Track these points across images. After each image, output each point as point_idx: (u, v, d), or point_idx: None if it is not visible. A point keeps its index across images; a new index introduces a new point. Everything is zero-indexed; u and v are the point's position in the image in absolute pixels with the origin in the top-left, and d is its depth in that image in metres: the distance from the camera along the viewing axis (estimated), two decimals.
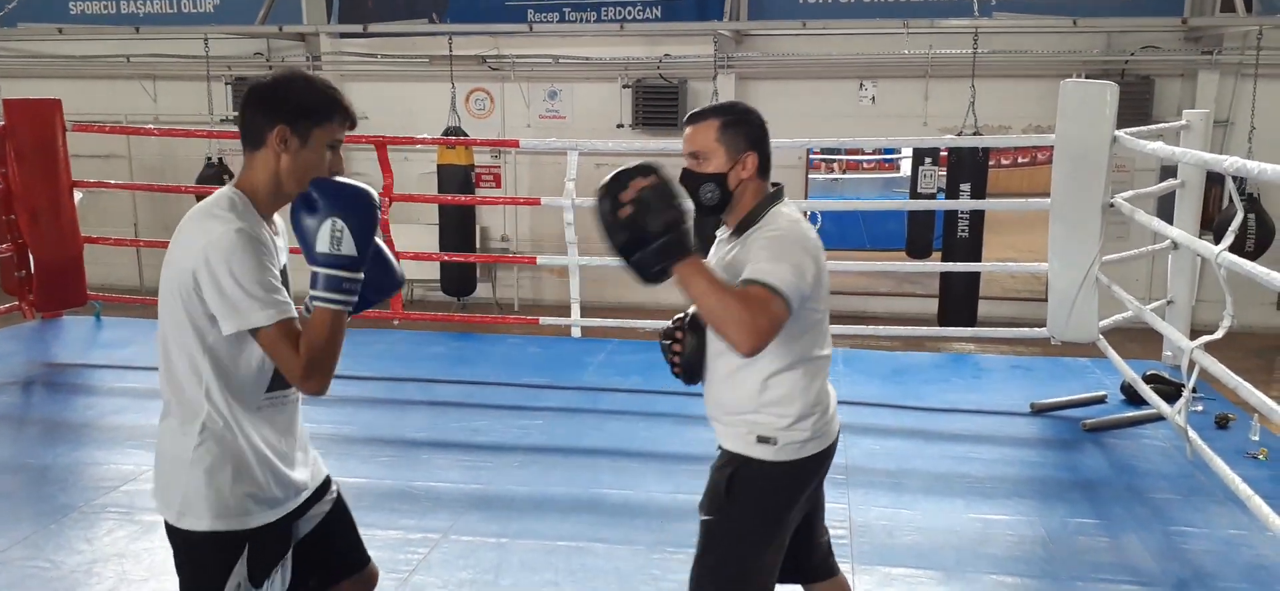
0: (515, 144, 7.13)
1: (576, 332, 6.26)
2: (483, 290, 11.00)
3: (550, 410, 5.14)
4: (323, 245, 1.92)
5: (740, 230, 2.27)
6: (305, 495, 2.18)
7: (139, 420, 4.86)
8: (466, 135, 9.54)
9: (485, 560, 3.47)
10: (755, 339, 2.05)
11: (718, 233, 2.40)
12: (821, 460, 2.32)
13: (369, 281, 2.04)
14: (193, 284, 1.91)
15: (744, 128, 2.27)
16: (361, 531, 2.36)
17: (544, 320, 6.69)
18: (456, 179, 9.35)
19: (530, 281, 11.53)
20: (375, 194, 2.01)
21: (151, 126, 8.99)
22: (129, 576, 3.34)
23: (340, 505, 2.29)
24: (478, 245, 10.92)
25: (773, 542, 2.30)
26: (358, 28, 10.90)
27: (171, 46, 11.10)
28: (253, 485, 2.03)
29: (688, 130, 2.30)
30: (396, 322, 6.36)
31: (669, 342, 2.36)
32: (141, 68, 11.43)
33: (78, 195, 6.49)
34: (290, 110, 1.97)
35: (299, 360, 1.91)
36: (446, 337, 6.80)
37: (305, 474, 2.18)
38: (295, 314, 1.94)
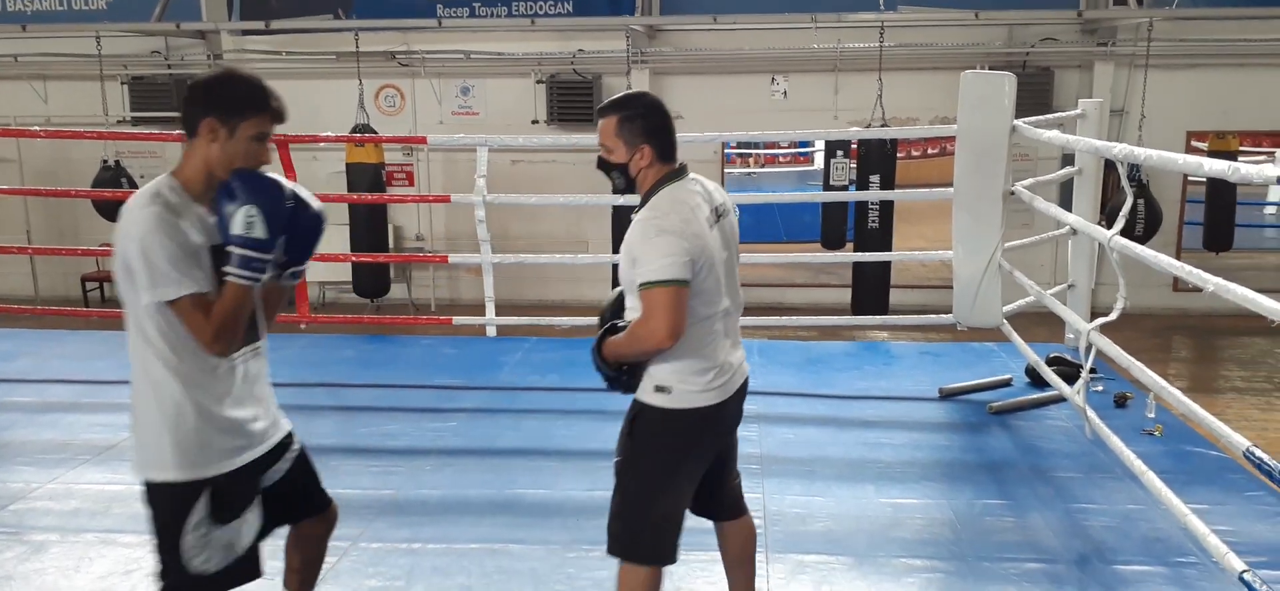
0: (423, 140, 6.99)
1: (491, 331, 6.17)
2: (397, 291, 10.81)
3: (465, 411, 5.05)
4: (237, 228, 2.16)
5: (637, 210, 2.54)
6: (267, 446, 2.39)
7: (29, 436, 4.63)
8: (376, 132, 9.36)
9: (396, 566, 3.39)
10: (662, 335, 2.38)
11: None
12: (719, 410, 2.53)
13: (295, 245, 2.36)
14: (124, 264, 2.14)
15: (640, 121, 2.51)
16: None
17: (458, 320, 6.57)
18: (366, 177, 9.16)
19: (447, 281, 11.37)
20: (287, 184, 2.30)
21: (39, 129, 8.59)
22: None
23: (303, 457, 2.54)
24: (392, 245, 10.72)
25: (672, 484, 2.55)
26: (259, 24, 10.60)
27: (63, 45, 10.64)
28: (210, 437, 2.24)
29: (599, 123, 2.57)
30: (303, 326, 6.18)
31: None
32: (30, 67, 10.94)
33: None
34: (219, 104, 2.19)
35: (209, 328, 2.17)
36: (358, 341, 6.64)
37: (264, 425, 2.38)
38: (204, 289, 2.16)
